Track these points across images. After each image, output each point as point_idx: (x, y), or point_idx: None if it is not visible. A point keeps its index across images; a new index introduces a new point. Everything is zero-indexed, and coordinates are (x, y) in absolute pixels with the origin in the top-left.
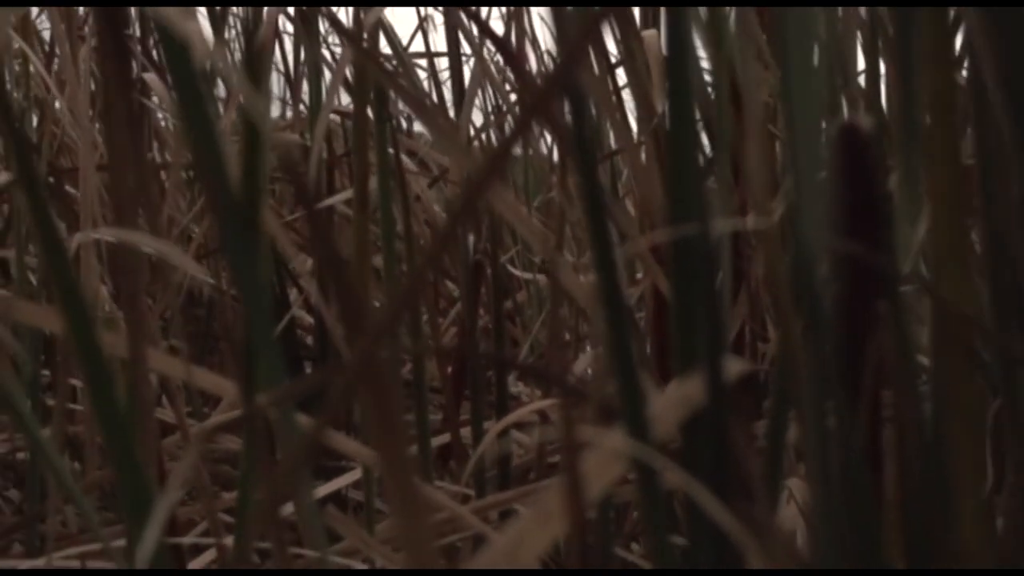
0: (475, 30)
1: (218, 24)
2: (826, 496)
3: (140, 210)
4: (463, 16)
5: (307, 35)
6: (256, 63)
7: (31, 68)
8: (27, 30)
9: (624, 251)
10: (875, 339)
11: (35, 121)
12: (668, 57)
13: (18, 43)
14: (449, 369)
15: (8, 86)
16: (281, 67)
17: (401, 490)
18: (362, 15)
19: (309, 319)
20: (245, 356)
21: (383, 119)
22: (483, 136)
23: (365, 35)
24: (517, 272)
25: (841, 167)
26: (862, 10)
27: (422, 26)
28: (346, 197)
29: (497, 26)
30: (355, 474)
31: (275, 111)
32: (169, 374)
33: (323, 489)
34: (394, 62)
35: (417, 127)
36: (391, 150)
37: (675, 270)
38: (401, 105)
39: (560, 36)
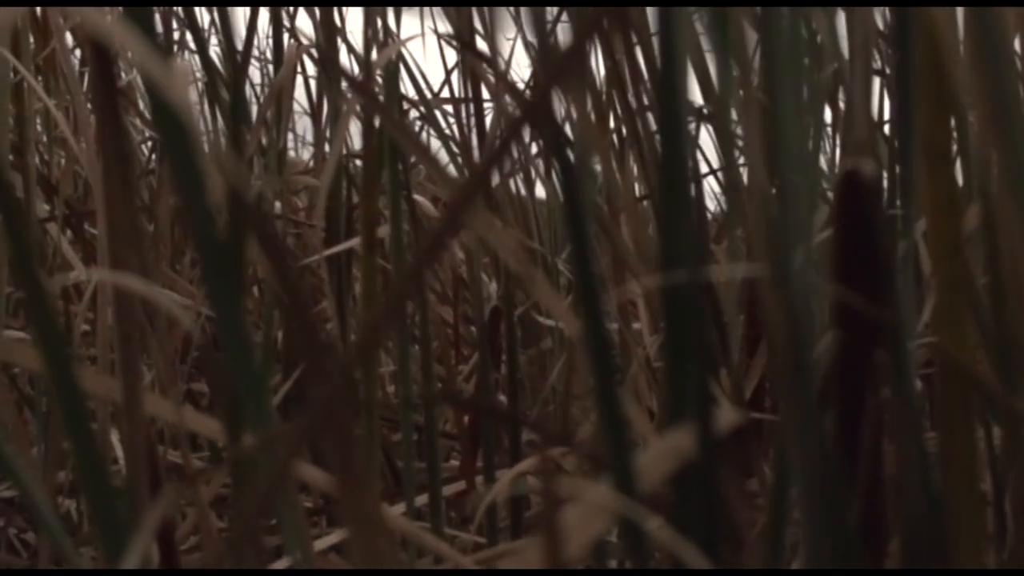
0: (492, 77)
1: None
2: (817, 556)
3: (135, 252)
4: (485, 66)
5: (327, 76)
6: (239, 114)
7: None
8: (49, 67)
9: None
10: (874, 391)
11: (63, 160)
12: (660, 92)
13: (33, 80)
14: (466, 417)
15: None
16: (307, 107)
17: (358, 524)
18: (374, 54)
19: None
20: (231, 399)
21: (395, 163)
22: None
23: (380, 78)
24: (542, 319)
25: (842, 214)
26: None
27: (448, 73)
28: (355, 243)
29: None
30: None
31: (306, 153)
32: (161, 416)
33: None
34: (421, 108)
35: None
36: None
37: (666, 317)
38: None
39: (542, 55)
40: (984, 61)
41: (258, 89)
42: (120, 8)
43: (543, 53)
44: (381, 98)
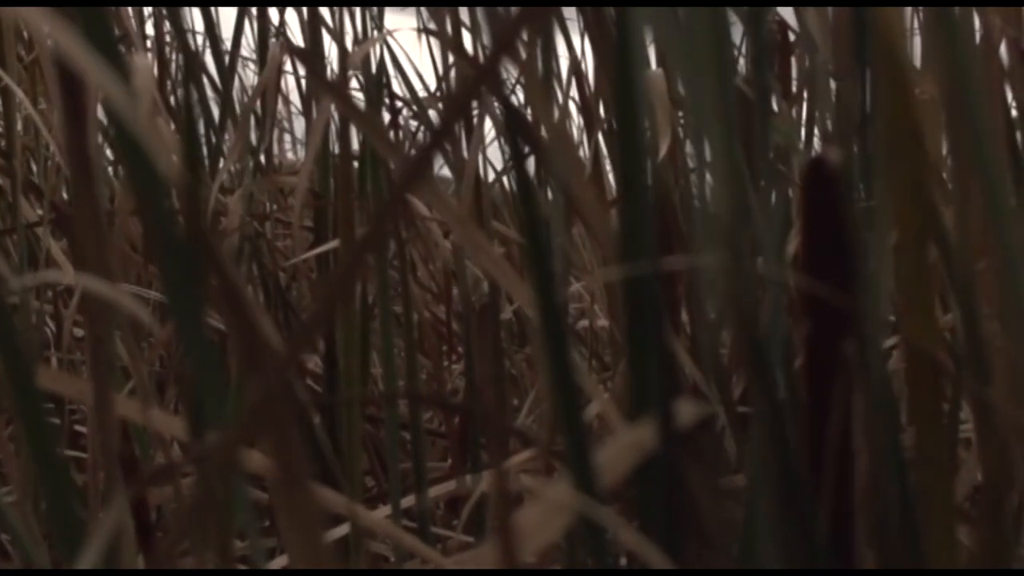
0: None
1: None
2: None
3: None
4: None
5: (312, 77)
6: (190, 129)
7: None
8: (35, 73)
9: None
10: (844, 382)
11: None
12: (617, 84)
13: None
14: (456, 417)
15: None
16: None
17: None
18: (350, 51)
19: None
20: (193, 399)
21: (375, 166)
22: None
23: (362, 76)
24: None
25: (808, 202)
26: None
27: (439, 75)
28: (333, 246)
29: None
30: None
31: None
32: (128, 417)
33: None
34: (413, 107)
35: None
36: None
37: (627, 310)
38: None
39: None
40: (940, 49)
41: (251, 90)
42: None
43: (493, 20)
44: (362, 97)
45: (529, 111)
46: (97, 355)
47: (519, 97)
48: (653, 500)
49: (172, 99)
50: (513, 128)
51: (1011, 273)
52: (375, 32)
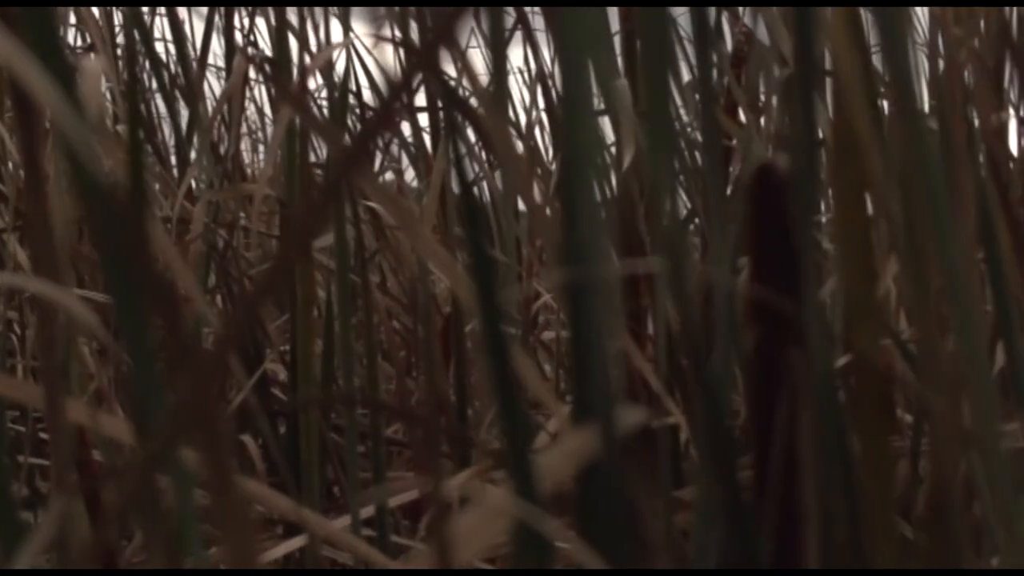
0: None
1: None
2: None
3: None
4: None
5: (270, 82)
6: (138, 134)
7: None
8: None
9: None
10: (787, 388)
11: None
12: (564, 82)
13: None
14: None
15: None
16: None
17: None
18: (307, 60)
19: (283, 375)
20: (137, 401)
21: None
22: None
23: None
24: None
25: (756, 209)
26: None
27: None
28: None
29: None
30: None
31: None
32: (81, 422)
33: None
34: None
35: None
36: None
37: (571, 315)
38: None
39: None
40: (886, 52)
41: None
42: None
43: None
44: (323, 105)
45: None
46: (47, 359)
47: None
48: (594, 506)
49: (142, 107)
50: (448, 102)
51: (954, 286)
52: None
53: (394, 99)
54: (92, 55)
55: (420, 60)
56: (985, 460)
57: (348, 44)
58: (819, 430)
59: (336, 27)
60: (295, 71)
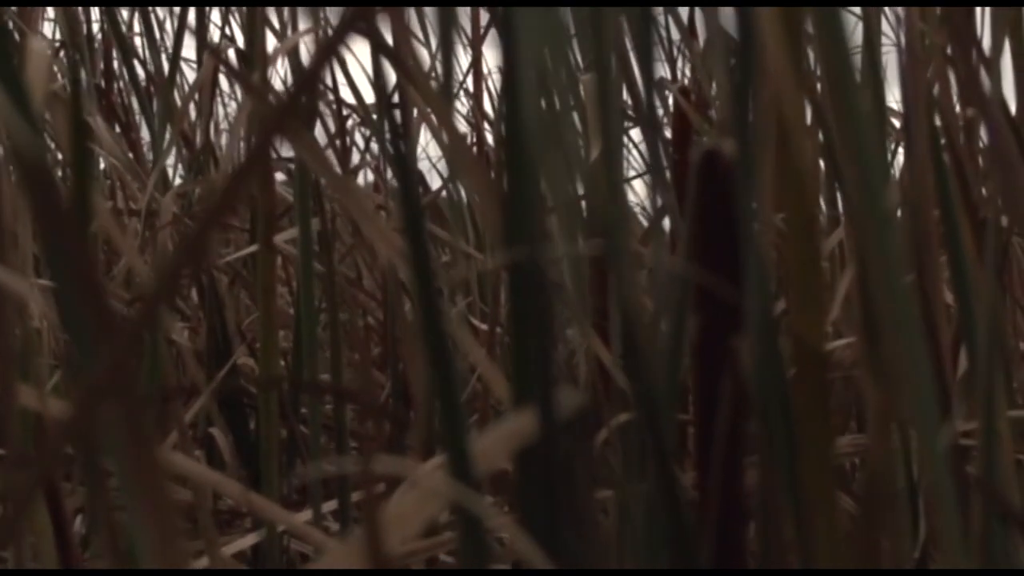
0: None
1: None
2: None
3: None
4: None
5: (229, 71)
6: (77, 115)
7: None
8: None
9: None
10: (730, 374)
11: None
12: (503, 62)
13: None
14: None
15: None
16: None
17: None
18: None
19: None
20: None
21: (303, 163)
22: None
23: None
24: (476, 322)
25: (700, 194)
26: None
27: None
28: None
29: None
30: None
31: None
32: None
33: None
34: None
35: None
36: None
37: (510, 296)
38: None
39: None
40: (823, 36)
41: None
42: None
43: None
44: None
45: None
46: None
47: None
48: (531, 489)
49: (120, 100)
50: (377, 52)
51: (886, 271)
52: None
53: (322, 58)
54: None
55: (354, 17)
56: (921, 449)
57: (316, 31)
58: (762, 417)
59: (305, 17)
60: (262, 61)
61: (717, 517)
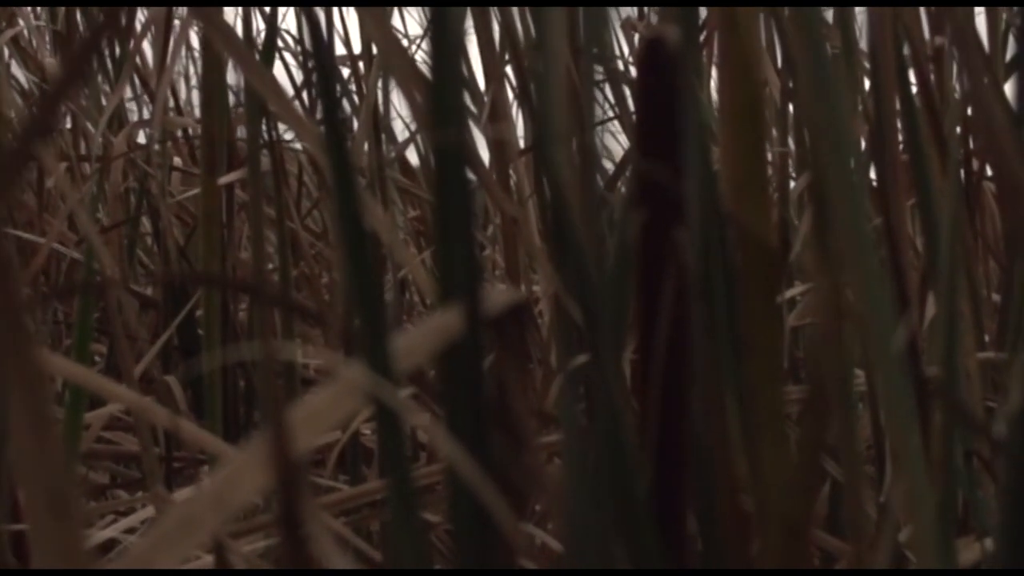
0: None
1: None
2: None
3: None
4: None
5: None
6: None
7: None
8: None
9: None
10: (673, 268)
11: None
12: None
13: None
14: None
15: None
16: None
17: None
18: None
19: None
20: None
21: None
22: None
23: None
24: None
25: (643, 85)
26: None
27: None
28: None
29: None
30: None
31: None
32: None
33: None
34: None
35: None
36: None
37: (435, 187)
38: None
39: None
40: None
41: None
42: None
43: None
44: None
45: None
46: None
47: None
48: (455, 388)
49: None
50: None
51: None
52: None
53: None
54: None
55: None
56: (873, 348)
57: None
58: (705, 309)
59: None
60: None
61: (658, 407)
